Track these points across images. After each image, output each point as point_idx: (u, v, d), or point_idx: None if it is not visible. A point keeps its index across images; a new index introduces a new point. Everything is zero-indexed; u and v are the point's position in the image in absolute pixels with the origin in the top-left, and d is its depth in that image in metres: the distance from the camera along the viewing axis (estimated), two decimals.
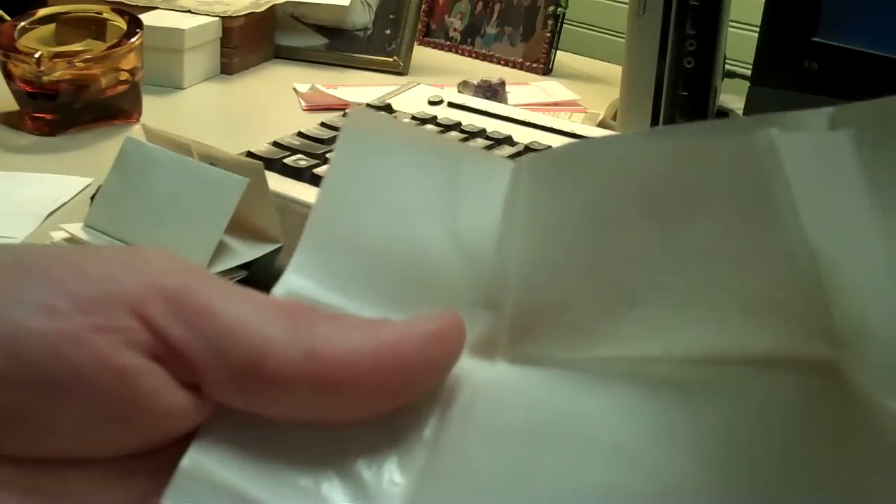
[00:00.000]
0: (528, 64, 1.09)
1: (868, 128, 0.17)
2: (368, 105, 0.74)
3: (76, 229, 0.54)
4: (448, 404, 0.18)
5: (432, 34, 1.18)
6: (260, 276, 0.51)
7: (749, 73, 0.75)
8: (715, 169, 0.17)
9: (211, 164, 0.53)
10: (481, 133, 0.69)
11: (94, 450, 0.16)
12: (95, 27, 0.82)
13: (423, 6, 1.13)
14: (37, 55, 0.75)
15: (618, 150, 0.19)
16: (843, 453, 0.15)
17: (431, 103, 0.77)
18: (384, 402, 0.17)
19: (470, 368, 0.18)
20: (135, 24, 0.82)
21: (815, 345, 0.16)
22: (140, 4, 0.98)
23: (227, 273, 0.50)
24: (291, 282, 0.18)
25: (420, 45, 1.14)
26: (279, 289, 0.18)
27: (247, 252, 0.52)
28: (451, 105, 0.77)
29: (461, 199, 0.20)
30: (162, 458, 0.16)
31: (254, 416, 0.16)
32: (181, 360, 0.16)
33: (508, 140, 0.68)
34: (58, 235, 0.55)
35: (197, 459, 0.16)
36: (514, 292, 0.19)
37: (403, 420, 0.17)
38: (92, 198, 0.59)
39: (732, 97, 0.86)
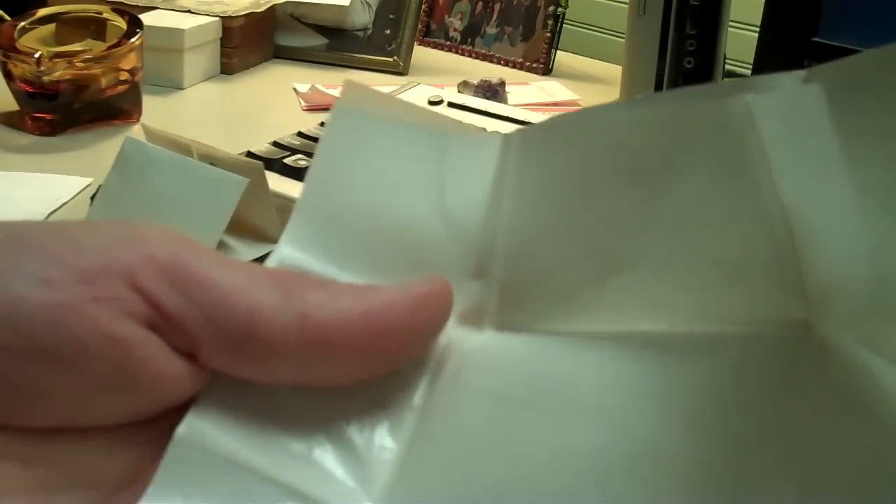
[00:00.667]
0: (528, 64, 1.09)
1: (838, 82, 0.17)
2: None
3: None
4: (437, 371, 0.18)
5: (432, 34, 1.18)
6: None
7: (749, 73, 0.75)
8: (692, 134, 0.18)
9: (211, 164, 0.53)
10: None
11: (92, 418, 0.16)
12: (95, 27, 0.82)
13: (423, 6, 1.13)
14: (37, 55, 0.75)
15: (602, 118, 0.19)
16: (817, 406, 0.16)
17: (431, 103, 0.77)
18: (374, 366, 0.17)
19: (458, 337, 0.19)
20: (135, 24, 0.82)
21: (788, 305, 0.17)
22: (140, 4, 0.98)
23: None
24: (284, 253, 0.19)
25: (420, 45, 1.14)
26: (272, 260, 0.19)
27: (247, 252, 0.53)
28: (451, 105, 0.77)
29: (450, 172, 0.20)
30: (159, 427, 0.16)
31: (249, 383, 0.17)
32: (177, 328, 0.16)
33: None
34: None
35: (193, 427, 0.16)
36: (503, 261, 0.19)
37: (393, 387, 0.18)
38: (92, 198, 0.59)
39: None
